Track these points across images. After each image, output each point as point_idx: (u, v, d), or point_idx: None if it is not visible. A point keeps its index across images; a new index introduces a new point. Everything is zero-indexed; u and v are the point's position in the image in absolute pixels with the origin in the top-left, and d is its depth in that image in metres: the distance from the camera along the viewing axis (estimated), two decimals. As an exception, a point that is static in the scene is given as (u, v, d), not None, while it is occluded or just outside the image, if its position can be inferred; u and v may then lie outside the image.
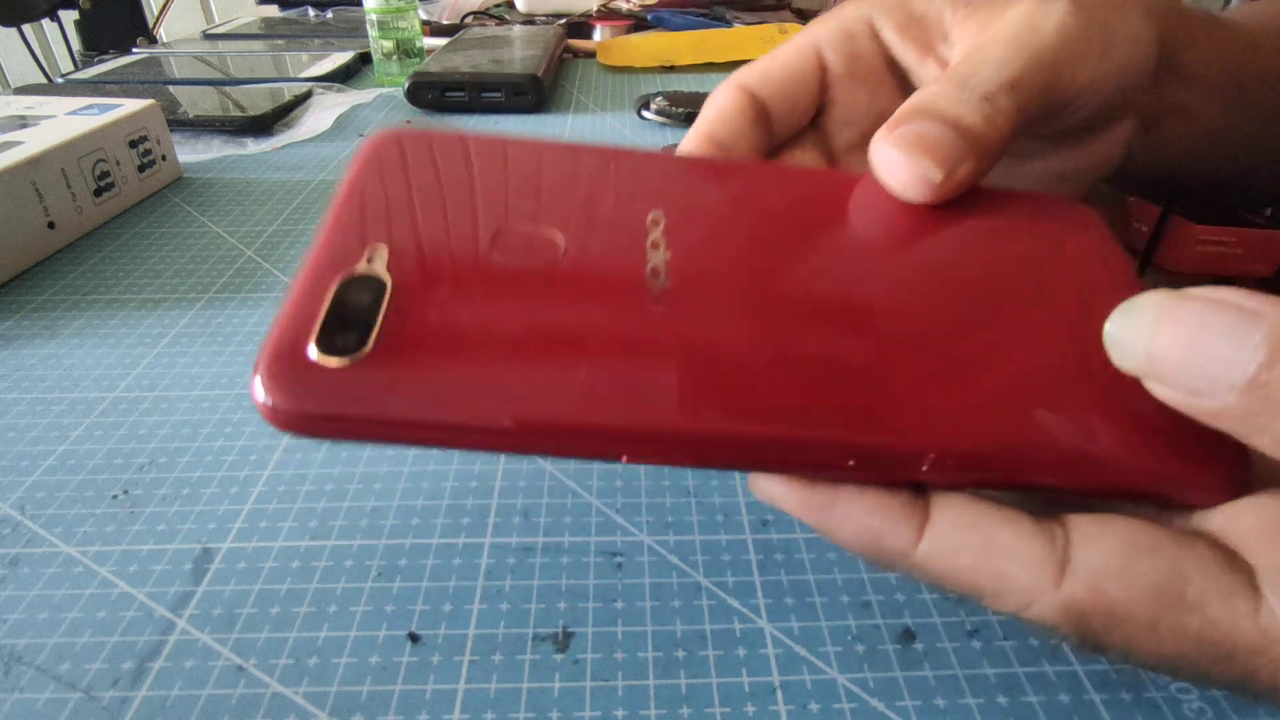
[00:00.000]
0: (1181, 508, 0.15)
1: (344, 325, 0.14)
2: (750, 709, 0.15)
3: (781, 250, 0.17)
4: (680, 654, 0.16)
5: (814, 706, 0.15)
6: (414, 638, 0.17)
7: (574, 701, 0.15)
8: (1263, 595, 0.13)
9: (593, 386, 0.14)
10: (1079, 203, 0.19)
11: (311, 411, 0.13)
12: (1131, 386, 0.14)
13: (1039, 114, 0.19)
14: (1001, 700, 0.15)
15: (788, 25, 0.70)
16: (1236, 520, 0.14)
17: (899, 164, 0.18)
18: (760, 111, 0.21)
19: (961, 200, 0.18)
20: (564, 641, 0.17)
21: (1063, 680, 0.16)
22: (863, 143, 0.21)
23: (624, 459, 0.14)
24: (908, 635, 0.17)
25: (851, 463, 0.14)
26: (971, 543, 0.14)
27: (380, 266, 0.15)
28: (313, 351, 0.13)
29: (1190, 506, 0.15)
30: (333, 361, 0.13)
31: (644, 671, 0.16)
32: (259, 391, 0.13)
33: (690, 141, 0.21)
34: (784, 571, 0.18)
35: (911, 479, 0.14)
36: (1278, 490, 0.14)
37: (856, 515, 0.14)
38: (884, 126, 0.18)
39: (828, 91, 0.22)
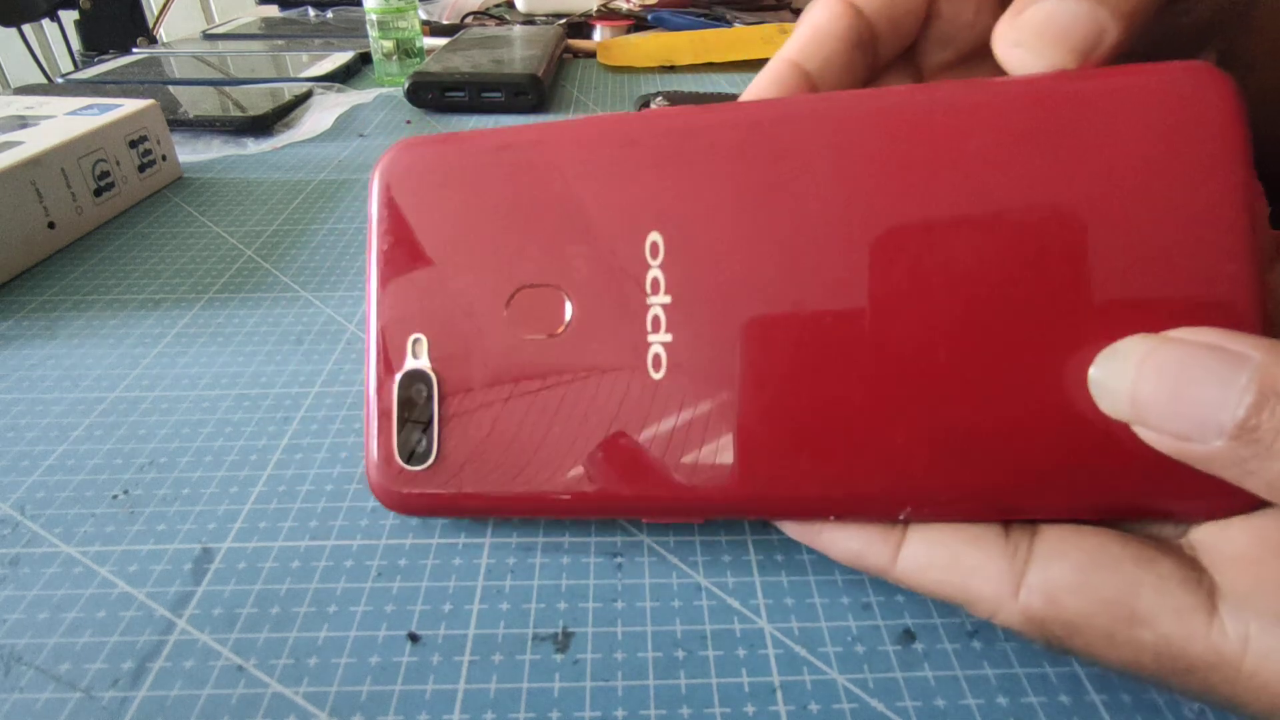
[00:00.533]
0: (1184, 521, 0.15)
1: (413, 425, 0.18)
2: (750, 709, 0.15)
3: (777, 292, 0.16)
4: (680, 654, 0.16)
5: (814, 707, 0.15)
6: (414, 638, 0.17)
7: (574, 701, 0.15)
8: (1218, 614, 0.13)
9: (601, 467, 0.17)
10: (1198, 76, 0.14)
11: (409, 501, 0.18)
12: None
13: None
14: (1001, 701, 0.15)
15: (787, 25, 0.70)
16: (1221, 538, 0.14)
17: (1030, 65, 0.15)
18: (866, 32, 0.18)
19: (1010, 138, 0.15)
20: (564, 641, 0.17)
21: (1063, 681, 0.16)
22: (958, 63, 0.19)
23: (645, 520, 0.17)
24: (908, 636, 0.17)
25: (832, 518, 0.16)
26: (940, 560, 0.15)
27: (424, 360, 0.18)
28: (398, 461, 0.18)
29: (1192, 520, 0.15)
30: (412, 468, 0.18)
31: (644, 671, 0.16)
32: (373, 486, 0.18)
33: (772, 69, 0.18)
34: (784, 571, 0.18)
35: (891, 522, 0.16)
36: (1273, 509, 0.14)
37: (841, 540, 0.16)
38: (1006, 15, 0.15)
39: (932, 4, 0.19)
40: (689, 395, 0.16)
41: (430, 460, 0.18)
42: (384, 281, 0.18)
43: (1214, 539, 0.14)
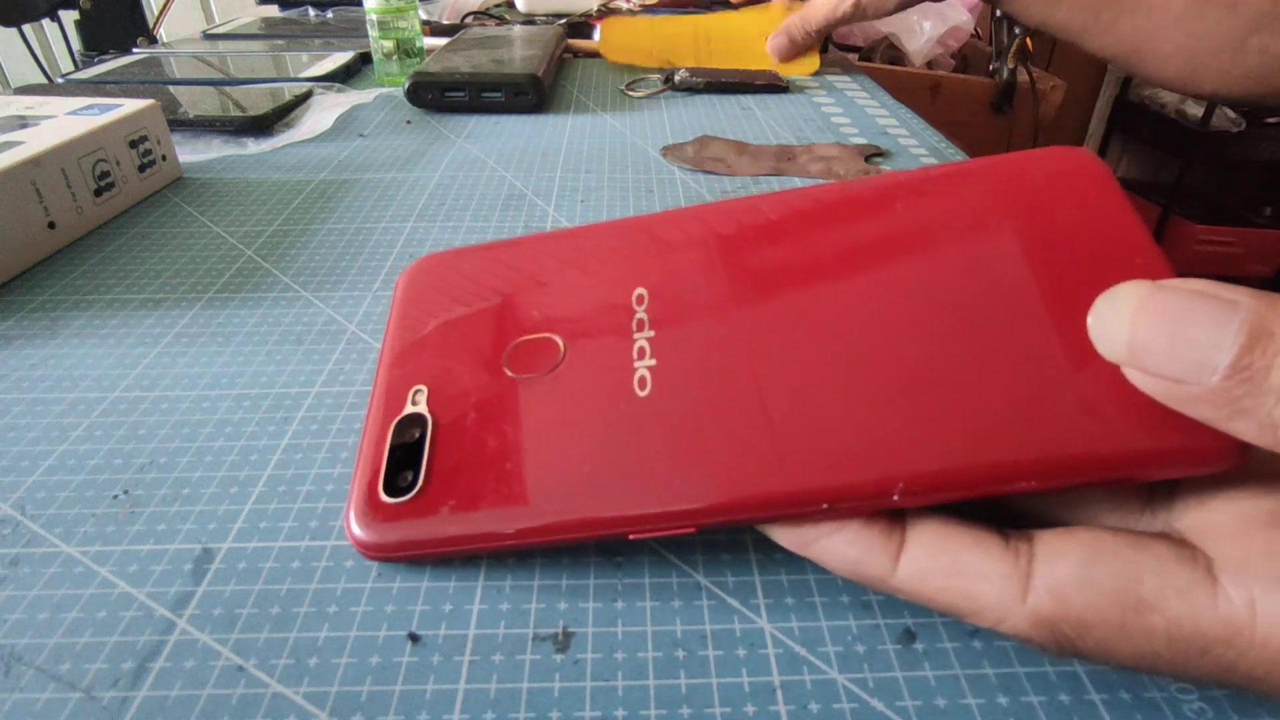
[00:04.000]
0: (1191, 475, 0.15)
1: (403, 463, 0.18)
2: (750, 709, 0.15)
3: (744, 312, 0.18)
4: (680, 654, 0.16)
5: (814, 706, 0.15)
6: (414, 638, 0.17)
7: (574, 701, 0.15)
8: (1220, 585, 0.13)
9: (590, 487, 0.17)
10: (1078, 152, 0.18)
11: (388, 542, 0.17)
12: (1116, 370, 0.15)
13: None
14: (1002, 700, 0.15)
15: (795, 3, 0.69)
16: (1205, 517, 0.15)
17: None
18: None
19: (934, 192, 0.19)
20: (564, 641, 0.17)
21: (1063, 680, 0.16)
22: None
23: (630, 536, 0.16)
24: (908, 635, 0.17)
25: (825, 506, 0.15)
26: (941, 566, 0.15)
27: (423, 406, 0.19)
28: (382, 494, 0.17)
29: (1197, 474, 0.15)
30: (396, 500, 0.17)
31: (644, 671, 0.16)
32: (352, 530, 0.17)
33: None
34: (784, 571, 0.18)
35: (887, 508, 0.15)
36: (1252, 484, 0.15)
37: (838, 548, 0.16)
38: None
39: None
40: (674, 407, 0.17)
41: (411, 493, 0.17)
42: (394, 349, 0.20)
43: (1196, 521, 0.15)
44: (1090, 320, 0.14)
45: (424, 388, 0.19)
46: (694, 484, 0.16)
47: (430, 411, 0.18)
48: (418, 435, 0.18)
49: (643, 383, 0.18)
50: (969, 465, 0.15)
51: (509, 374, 0.19)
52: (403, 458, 0.18)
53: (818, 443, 0.16)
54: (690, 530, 0.16)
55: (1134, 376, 0.14)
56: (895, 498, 0.15)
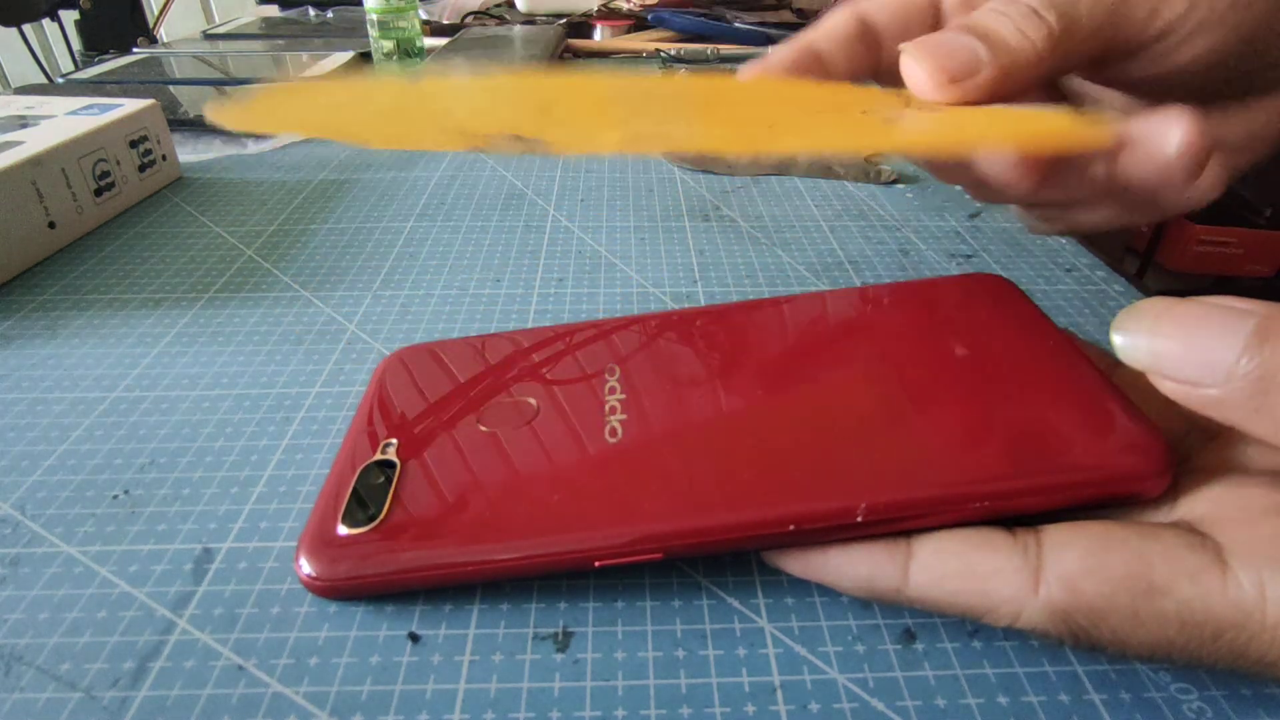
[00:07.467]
0: (1136, 500, 0.16)
1: (365, 502, 0.18)
2: (750, 709, 0.15)
3: (712, 378, 0.21)
4: (680, 654, 0.16)
5: (814, 706, 0.15)
6: (414, 638, 0.17)
7: (574, 701, 0.15)
8: (1230, 570, 0.14)
9: (558, 515, 0.17)
10: (993, 275, 0.23)
11: (339, 574, 0.17)
12: (1055, 415, 0.17)
13: (1095, 45, 0.18)
14: (1001, 700, 0.15)
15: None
16: (1214, 507, 0.15)
17: (911, 68, 0.18)
18: (868, 32, 0.22)
19: (877, 299, 0.23)
20: (564, 641, 0.17)
21: (1063, 680, 0.16)
22: None
23: (595, 564, 0.17)
24: (908, 635, 0.17)
25: (792, 527, 0.16)
26: (953, 568, 0.15)
27: (392, 454, 0.19)
28: (340, 528, 0.17)
29: (1141, 496, 0.16)
30: (353, 531, 0.17)
31: (644, 671, 0.16)
32: (302, 568, 0.17)
33: (786, 48, 0.22)
34: (784, 572, 0.18)
35: (850, 530, 0.16)
36: (1258, 477, 0.15)
37: (847, 567, 0.16)
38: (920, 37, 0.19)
39: (939, 20, 0.22)
40: (644, 448, 0.18)
41: (371, 524, 0.17)
42: (368, 405, 0.21)
43: (1205, 513, 0.15)
44: (1114, 334, 0.15)
45: (395, 440, 0.19)
46: (661, 510, 0.17)
47: (399, 458, 0.19)
48: (383, 479, 0.18)
49: (613, 432, 0.19)
50: (925, 496, 0.16)
51: (483, 429, 0.20)
52: (366, 498, 0.18)
53: (787, 474, 0.17)
54: (658, 556, 0.16)
55: (1157, 382, 0.15)
56: (859, 519, 0.16)
